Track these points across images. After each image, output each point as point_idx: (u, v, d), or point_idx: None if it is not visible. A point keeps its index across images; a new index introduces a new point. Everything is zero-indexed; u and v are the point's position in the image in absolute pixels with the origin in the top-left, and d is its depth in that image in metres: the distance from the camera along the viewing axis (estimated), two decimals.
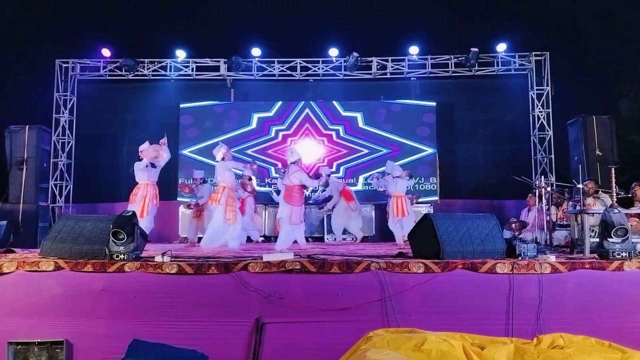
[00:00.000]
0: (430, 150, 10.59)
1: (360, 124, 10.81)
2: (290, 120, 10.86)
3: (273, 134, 10.83)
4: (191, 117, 10.85)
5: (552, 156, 10.11)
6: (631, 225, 5.22)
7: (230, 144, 10.58)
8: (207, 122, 10.83)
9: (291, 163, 7.25)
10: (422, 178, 10.48)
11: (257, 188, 9.73)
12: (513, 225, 8.34)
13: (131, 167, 7.28)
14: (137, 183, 7.15)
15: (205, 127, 10.81)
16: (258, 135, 10.84)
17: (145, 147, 7.19)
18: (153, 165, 7.18)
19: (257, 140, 10.83)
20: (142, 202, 7.00)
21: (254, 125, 10.85)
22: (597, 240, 5.05)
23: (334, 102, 10.89)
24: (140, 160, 7.19)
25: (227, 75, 10.77)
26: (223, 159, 7.08)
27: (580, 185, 6.19)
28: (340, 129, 10.82)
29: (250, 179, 8.88)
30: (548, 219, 6.89)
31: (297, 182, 7.12)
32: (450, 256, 4.71)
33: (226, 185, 6.98)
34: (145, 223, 6.72)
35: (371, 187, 9.81)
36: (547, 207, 6.92)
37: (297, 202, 7.15)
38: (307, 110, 10.88)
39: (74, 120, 10.58)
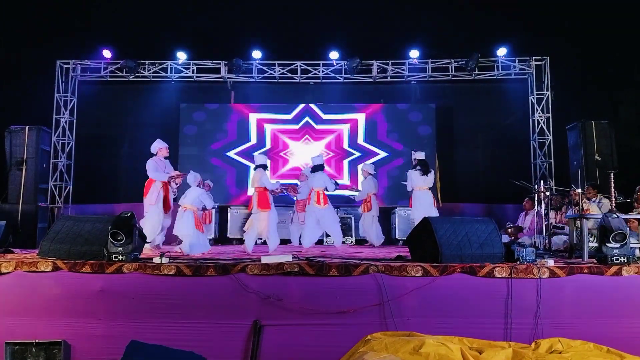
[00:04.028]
0: (430, 154, 10.57)
1: (360, 127, 10.81)
2: (291, 122, 10.88)
3: (273, 137, 10.84)
4: (191, 118, 10.84)
5: (552, 161, 10.11)
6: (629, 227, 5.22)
7: (231, 146, 10.80)
8: (207, 124, 10.83)
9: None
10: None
11: None
12: (509, 230, 8.34)
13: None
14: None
15: (205, 128, 10.81)
16: (258, 138, 10.85)
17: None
18: None
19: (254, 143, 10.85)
20: None
21: (255, 128, 10.86)
22: (596, 245, 5.05)
23: (334, 105, 10.89)
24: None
25: (228, 78, 10.77)
26: (265, 167, 7.53)
27: (579, 190, 6.19)
28: (341, 131, 10.82)
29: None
30: (547, 223, 6.88)
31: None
32: (448, 260, 4.72)
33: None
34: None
35: None
36: (545, 211, 6.91)
37: None
38: (307, 112, 10.88)
39: (74, 121, 10.57)
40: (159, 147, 7.35)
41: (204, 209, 7.38)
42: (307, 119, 10.86)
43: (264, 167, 7.51)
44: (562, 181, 9.19)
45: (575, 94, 10.11)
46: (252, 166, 8.23)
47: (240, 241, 9.55)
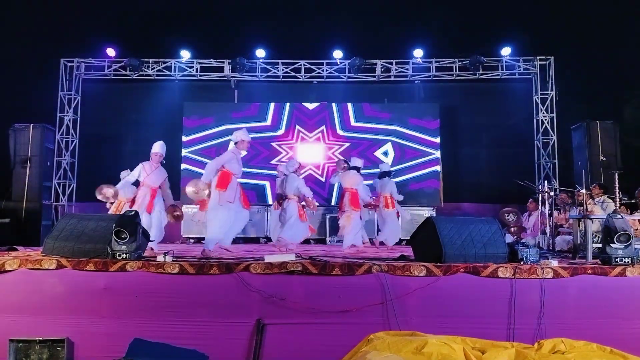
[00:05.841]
0: (433, 154, 10.57)
1: (365, 128, 10.80)
2: (289, 122, 10.87)
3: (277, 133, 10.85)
4: (195, 117, 10.84)
5: (556, 161, 10.08)
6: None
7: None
8: (210, 122, 10.83)
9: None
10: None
11: None
12: (512, 229, 8.26)
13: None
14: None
15: (208, 127, 10.80)
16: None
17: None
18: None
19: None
20: None
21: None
22: (600, 245, 5.04)
23: (336, 104, 10.87)
24: None
25: (231, 76, 10.78)
26: (359, 169, 7.90)
27: (583, 191, 6.17)
28: (343, 130, 10.81)
29: None
30: (551, 224, 6.86)
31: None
32: (452, 260, 4.71)
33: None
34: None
35: None
36: (549, 211, 6.89)
37: None
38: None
39: (78, 119, 10.60)
40: (242, 138, 6.15)
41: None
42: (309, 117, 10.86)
43: (359, 169, 7.92)
44: (566, 181, 9.17)
45: (580, 93, 10.07)
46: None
47: (245, 240, 9.58)
